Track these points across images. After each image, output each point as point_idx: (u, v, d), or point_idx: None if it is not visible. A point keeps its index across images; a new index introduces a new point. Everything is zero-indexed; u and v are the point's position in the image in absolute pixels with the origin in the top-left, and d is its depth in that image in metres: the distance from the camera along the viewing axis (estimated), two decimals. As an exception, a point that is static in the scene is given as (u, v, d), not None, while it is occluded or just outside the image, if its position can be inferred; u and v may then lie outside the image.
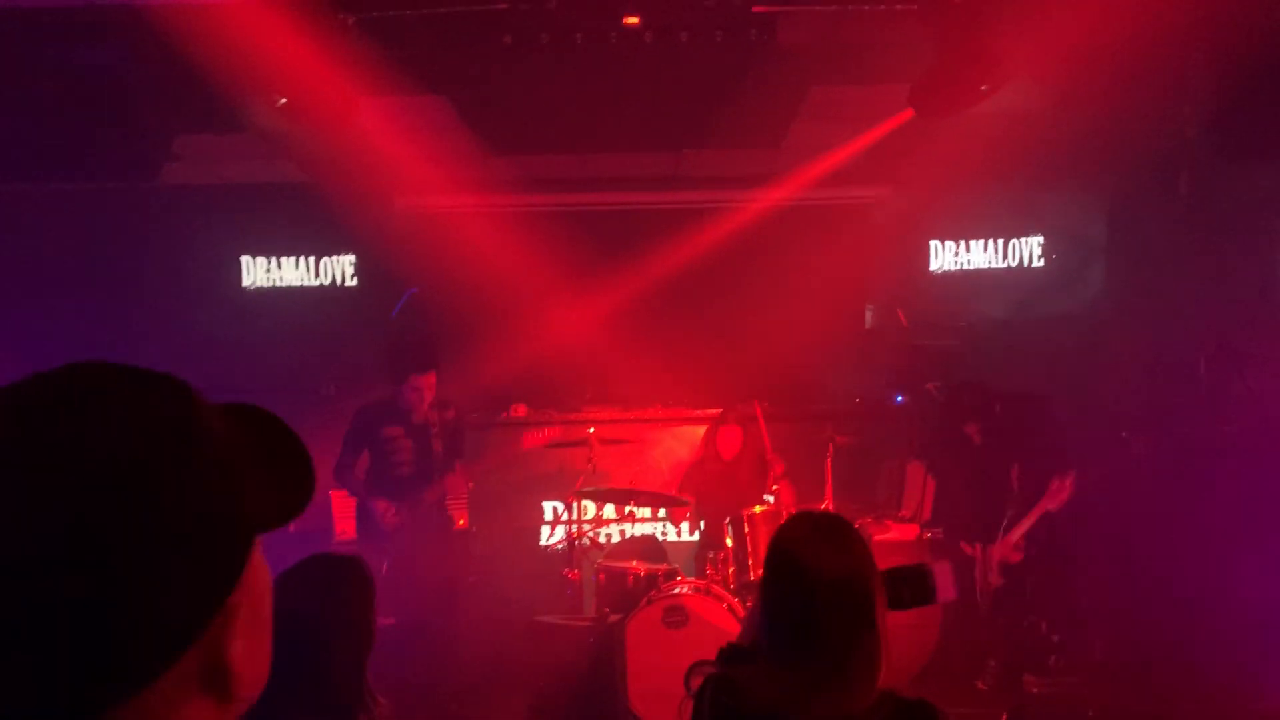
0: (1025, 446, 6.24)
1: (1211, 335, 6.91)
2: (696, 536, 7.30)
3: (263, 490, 0.85)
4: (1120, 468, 7.24)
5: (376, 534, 5.60)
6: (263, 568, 0.88)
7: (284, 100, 4.68)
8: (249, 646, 0.84)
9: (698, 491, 7.03)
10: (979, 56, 4.69)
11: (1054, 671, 6.19)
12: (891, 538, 6.69)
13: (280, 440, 0.90)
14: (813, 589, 1.89)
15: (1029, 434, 6.31)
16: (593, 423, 6.96)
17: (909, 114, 6.00)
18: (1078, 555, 6.34)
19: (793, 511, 6.24)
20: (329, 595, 2.08)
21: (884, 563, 6.04)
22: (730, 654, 2.12)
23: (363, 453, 5.76)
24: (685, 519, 7.40)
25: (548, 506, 7.68)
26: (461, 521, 6.39)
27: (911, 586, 2.03)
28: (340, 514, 6.92)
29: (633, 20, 4.88)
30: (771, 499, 6.32)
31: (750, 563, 6.08)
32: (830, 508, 6.37)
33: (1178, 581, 6.93)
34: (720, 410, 7.20)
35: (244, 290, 8.22)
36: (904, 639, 6.43)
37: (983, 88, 4.82)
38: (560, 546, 6.54)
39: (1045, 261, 8.50)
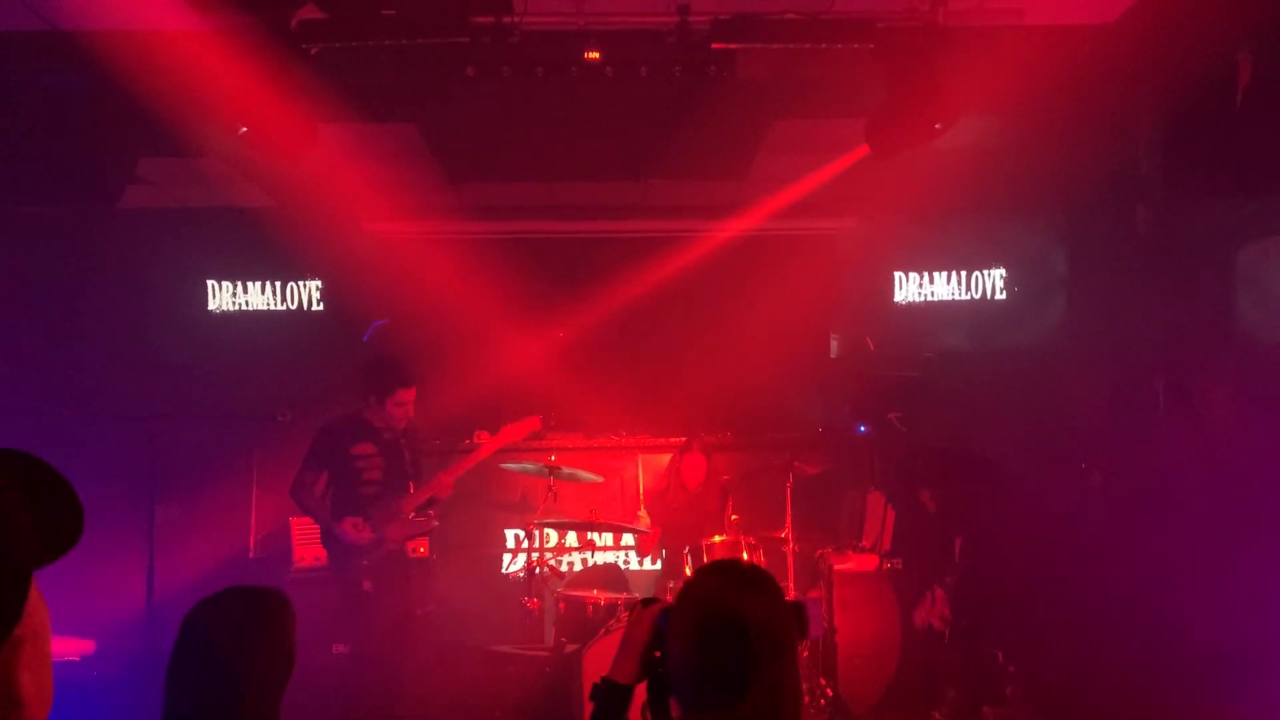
0: (973, 518, 6.28)
1: (1167, 368, 7.01)
2: (659, 565, 7.31)
3: (36, 532, 0.90)
4: (1078, 498, 7.31)
5: (351, 553, 5.53)
6: (41, 603, 0.94)
7: (245, 129, 4.68)
8: (35, 676, 0.90)
9: (662, 520, 7.05)
10: (932, 95, 4.78)
11: (1011, 702, 6.21)
12: (852, 568, 6.72)
13: (48, 483, 0.97)
14: (744, 634, 1.91)
15: (978, 504, 6.36)
16: (555, 450, 6.97)
17: (874, 151, 6.09)
18: (1032, 587, 6.37)
19: (751, 541, 6.30)
20: (242, 626, 2.12)
21: (845, 589, 6.07)
22: (609, 691, 2.10)
23: (324, 473, 5.69)
24: (651, 551, 7.41)
25: (509, 534, 7.67)
26: (422, 550, 6.36)
27: (799, 620, 2.05)
28: (300, 540, 6.88)
29: (594, 55, 4.93)
30: (723, 536, 6.32)
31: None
32: (790, 535, 6.41)
33: (1135, 611, 6.99)
34: (684, 439, 7.24)
35: (209, 314, 8.20)
36: (862, 670, 6.48)
37: (936, 125, 4.89)
38: (521, 575, 6.53)
39: (1007, 294, 8.60)
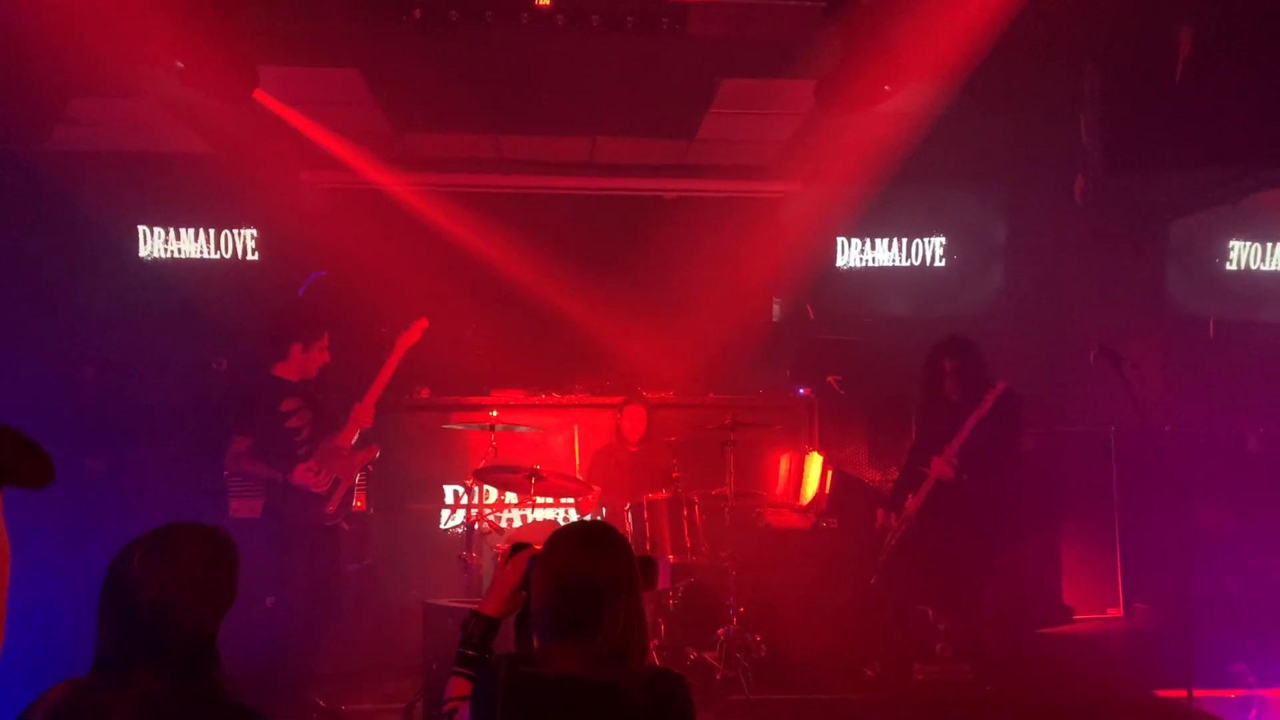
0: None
1: (1099, 335, 7.18)
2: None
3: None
4: (1009, 460, 7.47)
5: (311, 502, 5.38)
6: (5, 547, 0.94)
7: (181, 65, 4.53)
8: None
9: (603, 479, 7.07)
10: (881, 57, 4.80)
11: (941, 659, 6.36)
12: (789, 526, 6.82)
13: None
14: (578, 585, 2.24)
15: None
16: (496, 406, 6.93)
17: (819, 111, 6.10)
18: (968, 544, 6.50)
19: (693, 498, 6.35)
20: (178, 563, 2.08)
21: (782, 548, 6.11)
22: (478, 622, 2.44)
23: (250, 439, 5.38)
24: (592, 510, 7.42)
25: (449, 490, 7.63)
26: (359, 504, 6.30)
27: (647, 573, 2.43)
28: (236, 492, 6.75)
29: (544, 2, 4.85)
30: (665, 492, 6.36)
31: (648, 548, 6.14)
32: (730, 494, 6.46)
33: (1065, 572, 7.22)
34: (624, 395, 7.25)
35: (141, 261, 7.98)
36: (796, 626, 6.59)
37: (886, 87, 4.92)
38: (460, 530, 6.51)
39: (947, 261, 8.73)
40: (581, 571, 2.26)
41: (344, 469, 5.50)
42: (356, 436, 5.63)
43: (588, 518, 6.90)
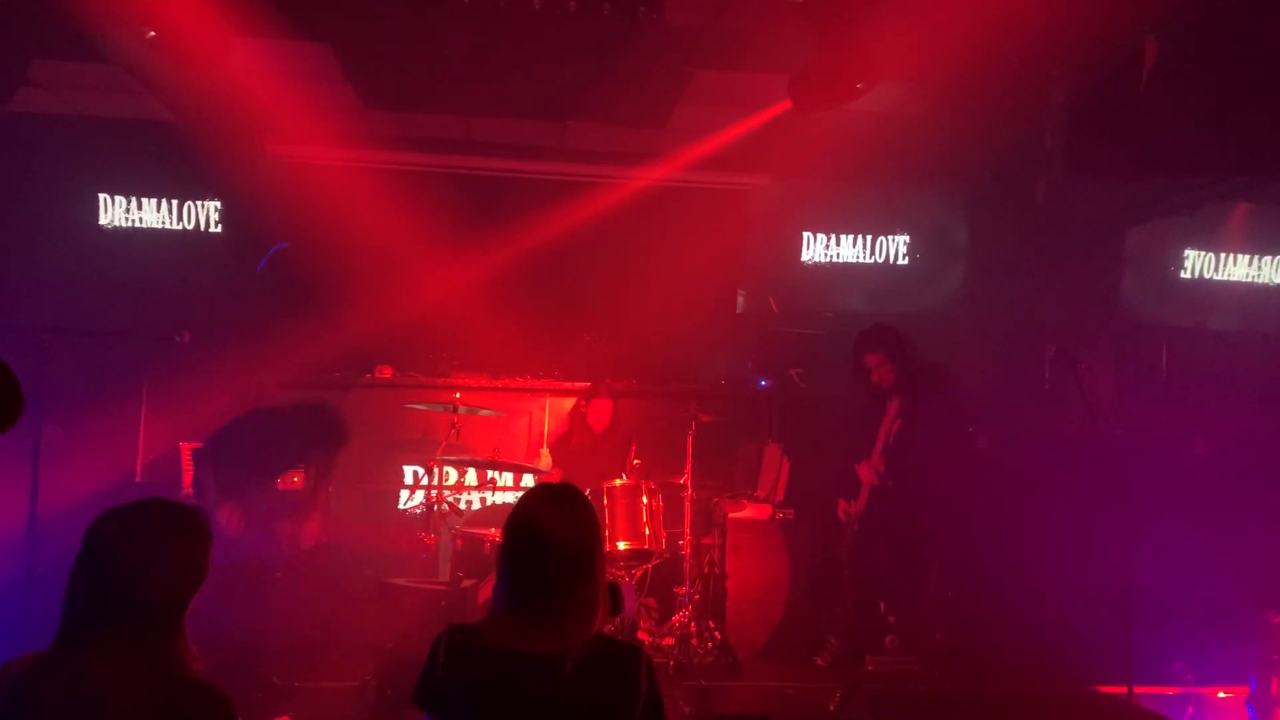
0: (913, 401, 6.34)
1: (1054, 339, 7.30)
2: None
3: None
4: (965, 461, 7.60)
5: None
6: None
7: (152, 34, 4.47)
8: None
9: (563, 463, 7.09)
10: (855, 54, 4.84)
11: (891, 651, 6.47)
12: (746, 516, 6.88)
13: None
14: (542, 546, 2.27)
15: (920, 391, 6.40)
16: (459, 388, 6.92)
17: (789, 104, 6.14)
18: (920, 542, 6.60)
19: (652, 486, 6.39)
20: (153, 537, 2.08)
21: (739, 537, 6.17)
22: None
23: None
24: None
25: (408, 470, 7.61)
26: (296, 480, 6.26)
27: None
28: (190, 466, 6.70)
29: (522, -15, 4.85)
30: (625, 477, 6.41)
31: (607, 534, 6.18)
32: (689, 483, 6.52)
33: (1014, 570, 7.34)
34: (590, 384, 7.27)
35: (100, 229, 7.85)
36: (750, 615, 6.66)
37: (858, 85, 4.97)
38: (419, 511, 6.50)
39: (909, 260, 8.82)
40: (534, 532, 2.29)
41: (263, 519, 5.52)
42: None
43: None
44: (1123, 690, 5.00)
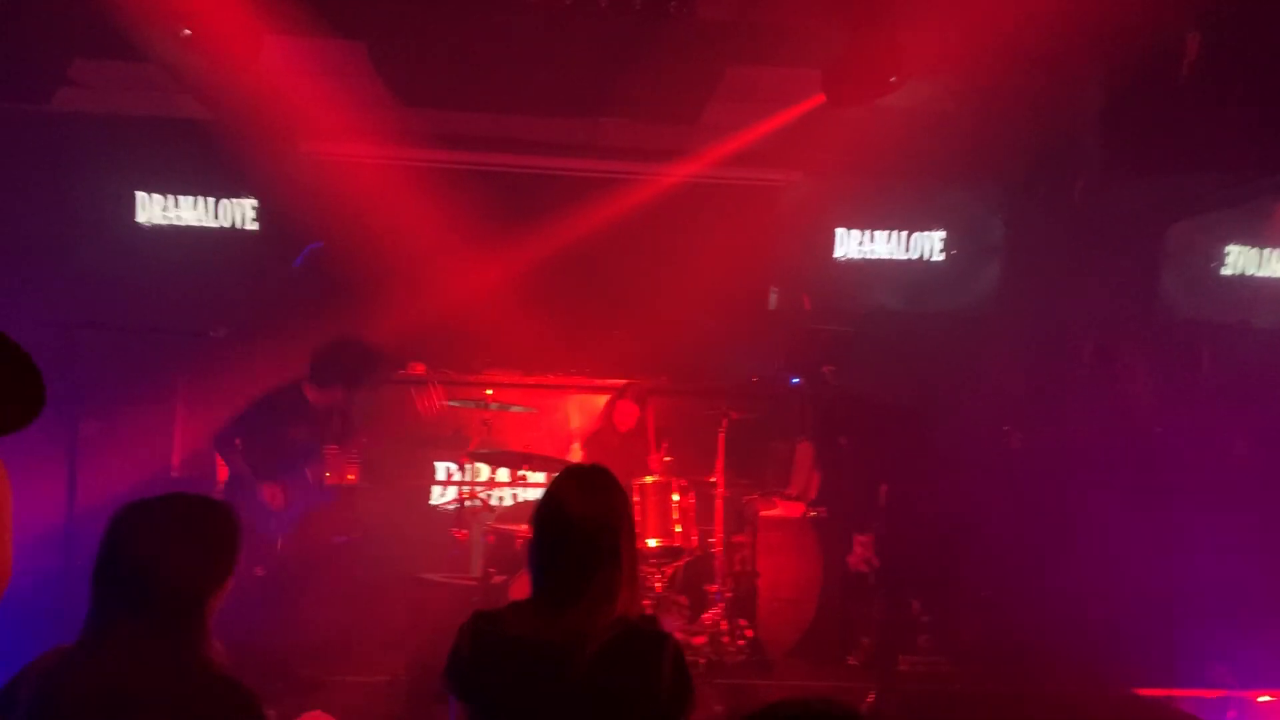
0: (894, 465, 6.40)
1: (1092, 337, 7.21)
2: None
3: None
4: (1000, 460, 7.52)
5: (263, 513, 5.49)
6: (3, 473, 0.92)
7: (188, 32, 4.51)
8: None
9: (593, 460, 7.07)
10: (888, 48, 4.79)
11: (923, 651, 6.42)
12: (778, 514, 6.84)
13: (9, 354, 0.94)
14: (560, 523, 2.30)
15: (897, 449, 6.47)
16: (491, 385, 6.93)
17: (821, 99, 6.10)
18: (950, 541, 6.54)
19: (683, 484, 6.37)
20: (181, 532, 2.08)
21: (771, 536, 6.11)
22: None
23: (247, 437, 5.58)
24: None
25: (440, 466, 7.64)
26: (351, 477, 6.31)
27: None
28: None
29: (553, -19, 4.84)
30: (655, 477, 6.39)
31: (638, 531, 6.16)
32: (720, 480, 6.49)
33: (1050, 570, 7.25)
34: (622, 384, 7.26)
35: (138, 226, 7.95)
36: (781, 613, 6.63)
37: (891, 79, 4.92)
38: (451, 507, 6.52)
39: (945, 256, 8.73)
40: (566, 514, 2.30)
41: (304, 498, 5.58)
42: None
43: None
44: (1162, 693, 4.92)
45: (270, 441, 5.55)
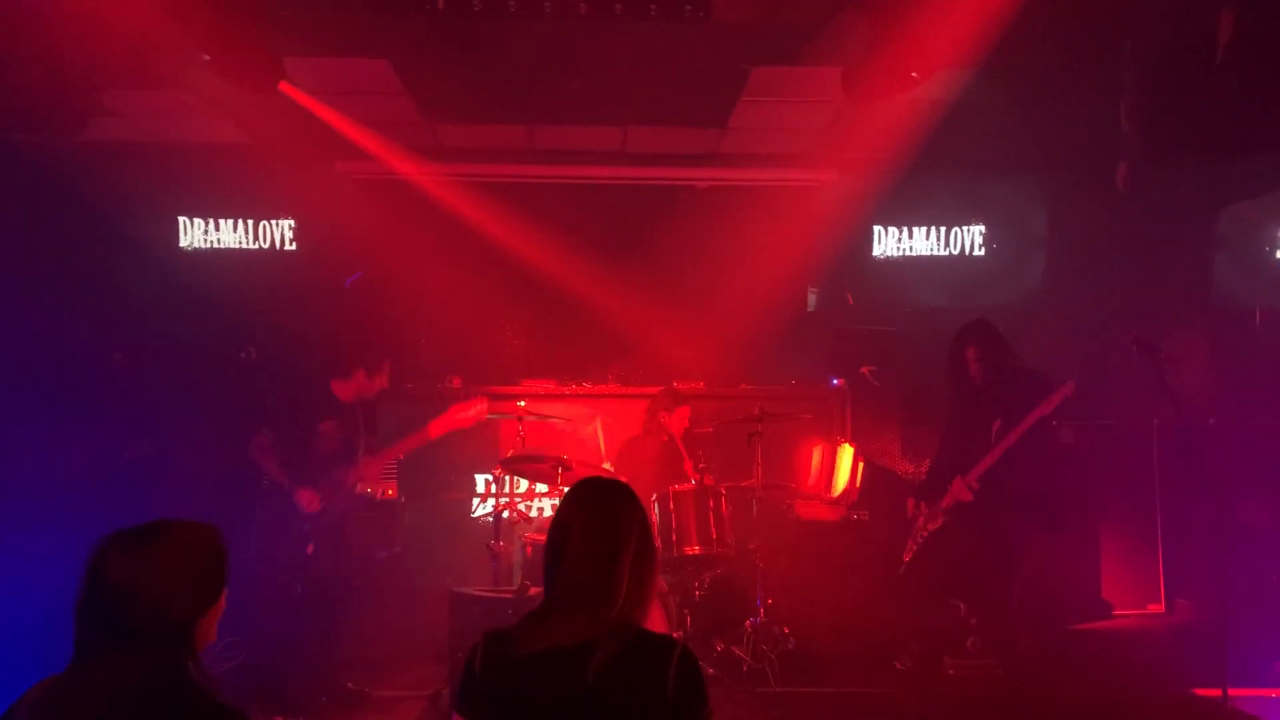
0: (1011, 403, 6.10)
1: (1139, 330, 7.01)
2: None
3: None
4: (1047, 456, 7.34)
5: (295, 515, 5.51)
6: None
7: (208, 57, 4.58)
8: None
9: (630, 469, 7.04)
10: (908, 42, 4.71)
11: (971, 654, 6.27)
12: (819, 517, 6.75)
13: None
14: (565, 531, 2.32)
15: (1019, 394, 6.17)
16: (527, 396, 6.94)
17: (847, 98, 6.02)
18: (1000, 539, 6.39)
19: (721, 490, 6.31)
20: (145, 547, 2.08)
21: (811, 540, 5.97)
22: None
23: (278, 436, 5.59)
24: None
25: (479, 479, 7.67)
26: (390, 492, 6.36)
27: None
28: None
29: (567, -10, 4.83)
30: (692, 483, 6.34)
31: (674, 539, 6.12)
32: (758, 485, 6.41)
33: (1103, 569, 7.07)
34: (663, 390, 7.21)
35: (181, 251, 8.11)
36: (824, 619, 6.53)
37: (912, 74, 4.83)
38: (489, 519, 6.54)
39: (986, 251, 8.58)
40: (569, 520, 2.34)
41: (337, 499, 5.59)
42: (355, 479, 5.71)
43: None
44: (1218, 693, 4.75)
45: (300, 441, 5.55)
